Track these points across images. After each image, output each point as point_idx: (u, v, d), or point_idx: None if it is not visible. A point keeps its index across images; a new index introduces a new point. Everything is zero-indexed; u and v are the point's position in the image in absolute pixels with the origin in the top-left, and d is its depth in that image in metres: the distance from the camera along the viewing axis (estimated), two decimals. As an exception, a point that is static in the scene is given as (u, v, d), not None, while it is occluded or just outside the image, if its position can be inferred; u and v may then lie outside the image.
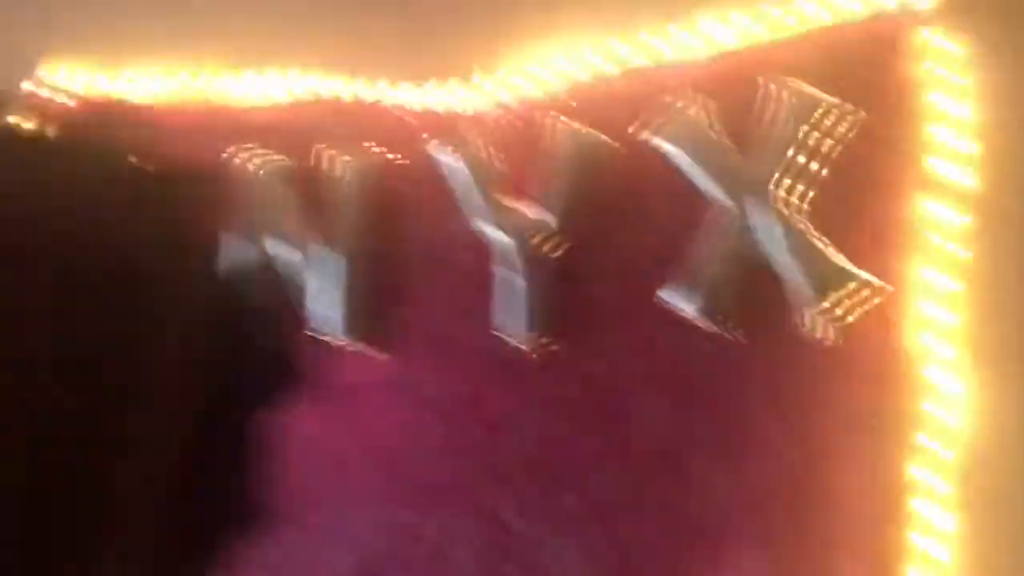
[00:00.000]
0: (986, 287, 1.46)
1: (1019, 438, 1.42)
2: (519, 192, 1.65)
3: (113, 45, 1.99)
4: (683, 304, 1.54)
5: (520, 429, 1.66)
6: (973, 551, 1.41)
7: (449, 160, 1.67)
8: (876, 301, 1.46)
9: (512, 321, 1.64)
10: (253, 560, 1.70)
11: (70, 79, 2.00)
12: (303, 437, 1.75)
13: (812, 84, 1.51)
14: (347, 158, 1.77)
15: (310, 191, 1.79)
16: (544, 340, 1.63)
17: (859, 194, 1.50)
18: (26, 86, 2.00)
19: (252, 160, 1.82)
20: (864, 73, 1.51)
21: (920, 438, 1.43)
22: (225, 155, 1.82)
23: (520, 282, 1.62)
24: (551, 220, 1.61)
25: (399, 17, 1.81)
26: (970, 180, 1.48)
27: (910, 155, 1.49)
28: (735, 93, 1.57)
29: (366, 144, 1.78)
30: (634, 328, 1.60)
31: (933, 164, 1.49)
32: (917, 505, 1.43)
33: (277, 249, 1.77)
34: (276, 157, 1.81)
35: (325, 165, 1.78)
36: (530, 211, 1.63)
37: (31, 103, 1.97)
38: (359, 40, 1.84)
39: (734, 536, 1.51)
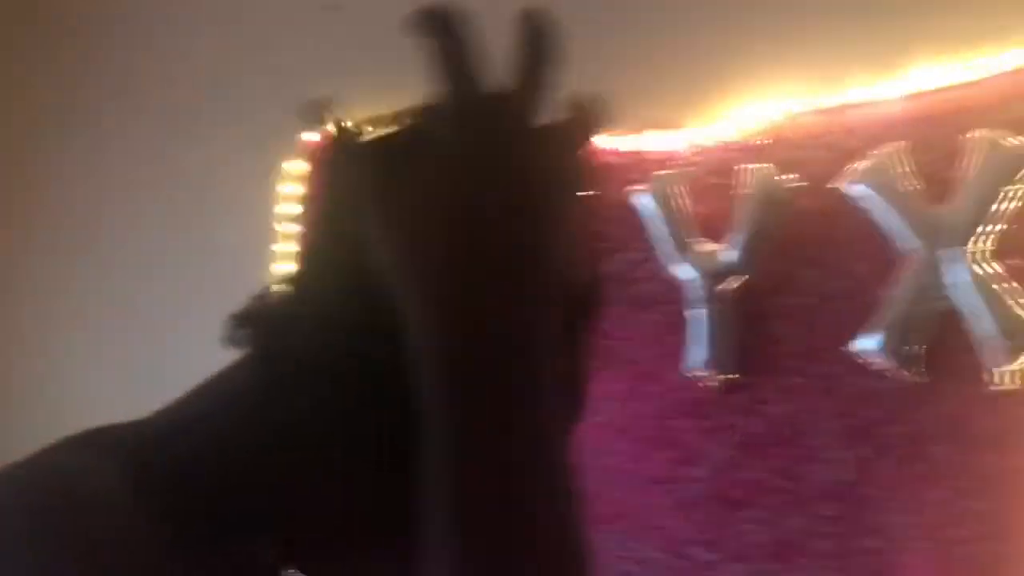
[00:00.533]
0: None
1: None
2: (710, 233, 1.72)
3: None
4: (870, 346, 1.55)
5: (702, 462, 1.72)
6: None
7: (643, 203, 1.76)
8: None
9: (698, 358, 1.70)
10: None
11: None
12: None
13: (1012, 129, 1.48)
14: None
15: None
16: (728, 376, 1.69)
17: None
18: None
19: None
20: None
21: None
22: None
23: (705, 318, 1.69)
24: (737, 258, 1.66)
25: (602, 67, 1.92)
26: None
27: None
28: (931, 135, 1.56)
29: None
30: (817, 368, 1.63)
31: None
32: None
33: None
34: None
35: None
36: (718, 250, 1.69)
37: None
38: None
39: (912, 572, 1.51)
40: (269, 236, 2.26)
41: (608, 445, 1.80)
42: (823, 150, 1.67)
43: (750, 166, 1.67)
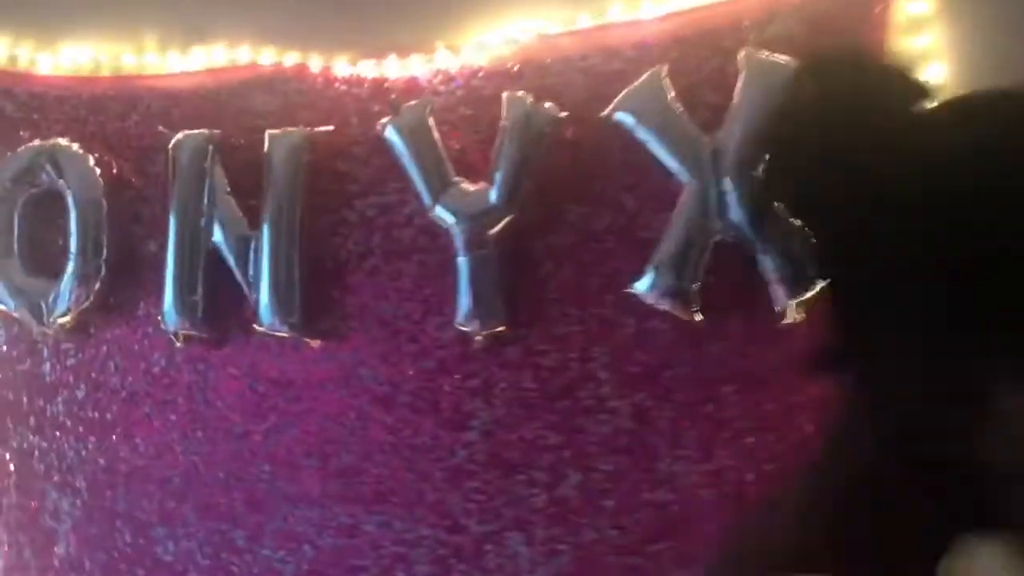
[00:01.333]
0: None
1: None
2: (467, 171, 1.53)
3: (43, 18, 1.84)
4: (647, 288, 1.44)
5: (472, 423, 1.56)
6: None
7: (397, 141, 1.54)
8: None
9: (464, 310, 1.53)
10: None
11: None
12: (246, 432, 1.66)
13: (780, 49, 1.39)
14: (278, 132, 1.64)
15: (240, 168, 1.67)
16: (493, 326, 1.53)
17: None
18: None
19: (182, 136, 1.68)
20: (831, 35, 1.40)
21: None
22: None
23: (467, 266, 1.51)
24: (498, 198, 1.49)
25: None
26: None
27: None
28: (694, 56, 1.46)
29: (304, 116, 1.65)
30: (591, 312, 1.50)
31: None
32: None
33: (216, 233, 1.66)
34: (204, 132, 1.68)
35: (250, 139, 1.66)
36: (478, 190, 1.51)
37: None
38: (304, 14, 1.70)
39: (703, 524, 1.43)
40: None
41: (365, 416, 1.60)
42: (581, 75, 1.52)
43: (506, 94, 1.50)
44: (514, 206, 1.49)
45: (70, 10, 1.86)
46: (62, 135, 1.80)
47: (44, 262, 1.81)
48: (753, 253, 1.39)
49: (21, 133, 1.85)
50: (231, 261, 1.66)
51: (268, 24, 1.73)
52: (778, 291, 1.39)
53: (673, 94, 1.44)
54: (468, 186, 1.52)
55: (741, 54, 1.41)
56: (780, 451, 1.39)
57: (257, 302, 1.63)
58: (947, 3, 1.39)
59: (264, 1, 1.74)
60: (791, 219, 0.72)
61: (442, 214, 1.52)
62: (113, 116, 1.79)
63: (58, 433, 1.81)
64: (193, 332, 1.69)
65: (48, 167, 1.77)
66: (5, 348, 1.86)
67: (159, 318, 1.70)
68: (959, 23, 1.39)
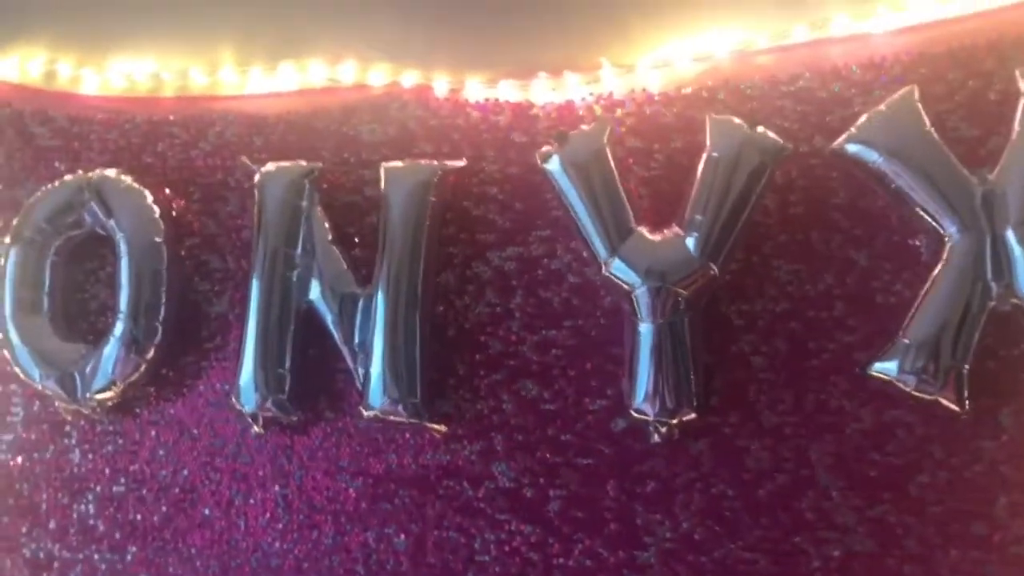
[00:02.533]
0: None
1: None
2: (658, 217, 1.21)
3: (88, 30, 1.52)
4: (895, 370, 1.11)
5: (648, 540, 1.21)
6: None
7: (563, 177, 1.21)
8: None
9: (640, 389, 1.19)
10: None
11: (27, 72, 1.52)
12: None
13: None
14: (397, 166, 1.31)
15: (342, 211, 1.34)
16: (681, 414, 1.19)
17: None
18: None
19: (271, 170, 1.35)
20: None
21: None
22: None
23: (651, 341, 1.17)
24: (699, 250, 1.17)
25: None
26: None
27: None
28: (944, 78, 1.16)
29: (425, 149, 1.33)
30: (811, 398, 1.18)
31: None
32: None
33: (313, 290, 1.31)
34: (301, 165, 1.35)
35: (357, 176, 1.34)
36: (668, 239, 1.19)
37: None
38: (428, 23, 1.39)
39: None
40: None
41: (500, 528, 1.24)
42: (792, 100, 1.22)
43: (712, 117, 1.18)
44: (719, 261, 1.16)
45: (123, 16, 1.54)
46: (109, 166, 1.46)
47: (80, 323, 1.45)
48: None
49: (57, 165, 1.51)
50: (331, 326, 1.31)
51: (380, 35, 1.41)
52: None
53: (929, 124, 1.13)
54: (652, 235, 1.20)
55: (1018, 73, 1.12)
56: None
57: (366, 377, 1.28)
58: None
59: (376, 6, 1.42)
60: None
61: (622, 270, 1.19)
62: (176, 145, 1.47)
63: (87, 541, 1.43)
64: (278, 414, 1.33)
65: (93, 204, 1.42)
66: (22, 431, 1.49)
67: (232, 397, 1.34)
68: None
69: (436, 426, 1.29)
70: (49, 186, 1.46)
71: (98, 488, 1.44)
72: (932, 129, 1.13)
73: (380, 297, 1.28)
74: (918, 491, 1.14)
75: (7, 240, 1.44)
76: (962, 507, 1.13)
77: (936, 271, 1.12)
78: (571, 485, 1.25)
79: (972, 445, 1.13)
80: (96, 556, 1.43)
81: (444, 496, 1.29)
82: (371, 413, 1.28)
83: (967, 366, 1.10)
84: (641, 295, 1.18)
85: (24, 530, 1.47)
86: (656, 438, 1.20)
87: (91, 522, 1.44)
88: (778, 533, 1.18)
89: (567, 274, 1.28)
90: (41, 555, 1.46)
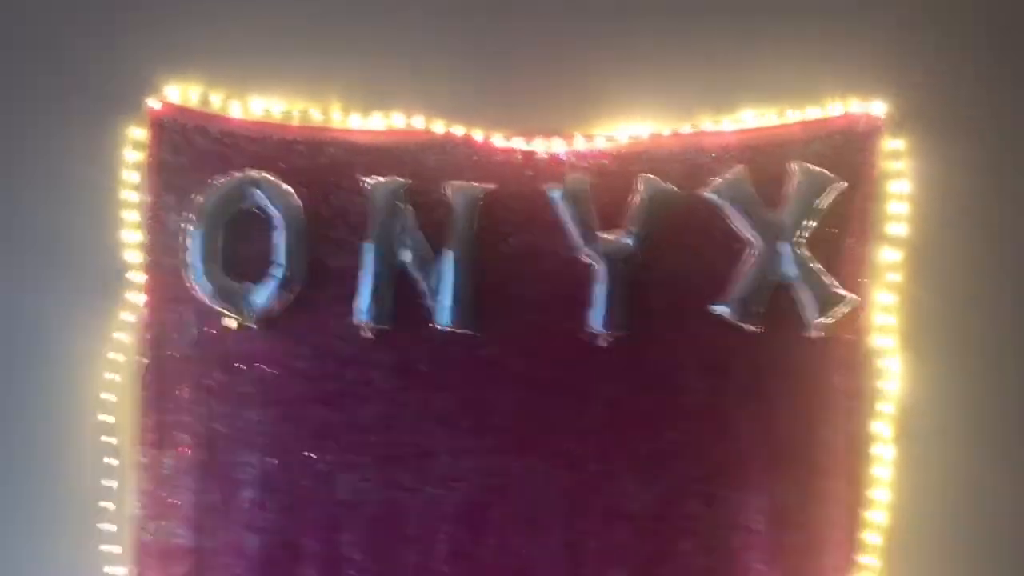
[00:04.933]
0: (911, 300, 2.27)
1: (935, 397, 2.25)
2: (610, 223, 2.25)
3: (234, 74, 2.34)
4: (725, 311, 2.22)
5: (595, 396, 2.28)
6: (907, 472, 2.23)
7: (560, 199, 2.23)
8: (849, 311, 2.23)
9: (595, 319, 2.24)
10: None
11: (188, 98, 2.32)
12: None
13: (816, 162, 2.22)
14: (460, 184, 2.27)
15: (421, 208, 2.27)
16: (616, 333, 2.25)
17: (844, 240, 2.25)
18: (150, 102, 2.31)
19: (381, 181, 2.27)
20: (848, 157, 2.25)
21: (878, 405, 2.23)
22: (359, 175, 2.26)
23: (604, 289, 2.22)
24: (631, 244, 2.22)
25: (503, 75, 2.32)
26: (904, 232, 2.27)
27: (874, 215, 2.26)
28: (758, 160, 2.26)
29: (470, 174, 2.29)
30: (684, 325, 2.26)
31: (884, 222, 2.26)
32: (875, 448, 2.23)
33: (405, 255, 2.25)
34: (398, 179, 2.27)
35: (440, 188, 2.28)
36: (616, 237, 2.23)
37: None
38: (466, 89, 2.33)
39: (757, 469, 2.23)
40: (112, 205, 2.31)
41: (505, 387, 2.27)
42: (680, 164, 2.28)
43: (643, 176, 2.23)
44: (643, 248, 2.22)
45: (259, 66, 2.37)
46: (253, 169, 2.31)
47: (238, 269, 2.31)
48: (795, 291, 2.22)
49: (212, 165, 2.32)
50: (418, 276, 2.26)
51: (439, 97, 2.34)
52: (810, 315, 2.22)
53: (750, 184, 2.23)
54: (607, 235, 2.24)
55: (793, 164, 2.23)
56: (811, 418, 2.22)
57: (439, 306, 2.25)
58: (915, 143, 2.27)
59: (437, 78, 2.34)
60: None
61: (593, 253, 2.22)
62: (301, 156, 2.33)
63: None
64: (383, 326, 2.27)
65: (256, 191, 2.28)
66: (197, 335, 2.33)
67: (351, 316, 2.26)
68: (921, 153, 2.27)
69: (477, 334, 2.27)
70: (220, 180, 2.29)
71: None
72: (751, 188, 2.22)
73: (449, 260, 2.24)
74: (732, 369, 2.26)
75: (192, 225, 2.27)
76: (750, 380, 2.25)
77: (748, 262, 2.23)
78: (554, 368, 2.29)
79: (761, 347, 2.25)
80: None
81: (481, 373, 2.29)
82: (443, 328, 2.26)
83: (761, 310, 2.22)
84: (600, 266, 2.22)
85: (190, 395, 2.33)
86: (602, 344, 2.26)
87: (241, 389, 2.32)
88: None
89: (555, 251, 2.28)
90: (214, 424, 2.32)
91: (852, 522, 2.24)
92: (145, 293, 2.31)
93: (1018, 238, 2.30)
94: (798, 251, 2.22)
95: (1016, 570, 2.29)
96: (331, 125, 2.35)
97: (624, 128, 2.30)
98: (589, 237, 2.24)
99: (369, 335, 2.29)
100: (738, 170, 2.24)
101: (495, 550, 2.27)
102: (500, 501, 2.28)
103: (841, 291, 2.22)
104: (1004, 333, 2.29)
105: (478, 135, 2.32)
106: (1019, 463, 2.29)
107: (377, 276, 2.26)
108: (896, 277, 2.27)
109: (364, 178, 2.29)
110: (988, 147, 2.29)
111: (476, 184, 2.28)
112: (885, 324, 2.26)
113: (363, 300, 2.26)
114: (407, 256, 2.27)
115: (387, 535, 2.28)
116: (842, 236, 2.25)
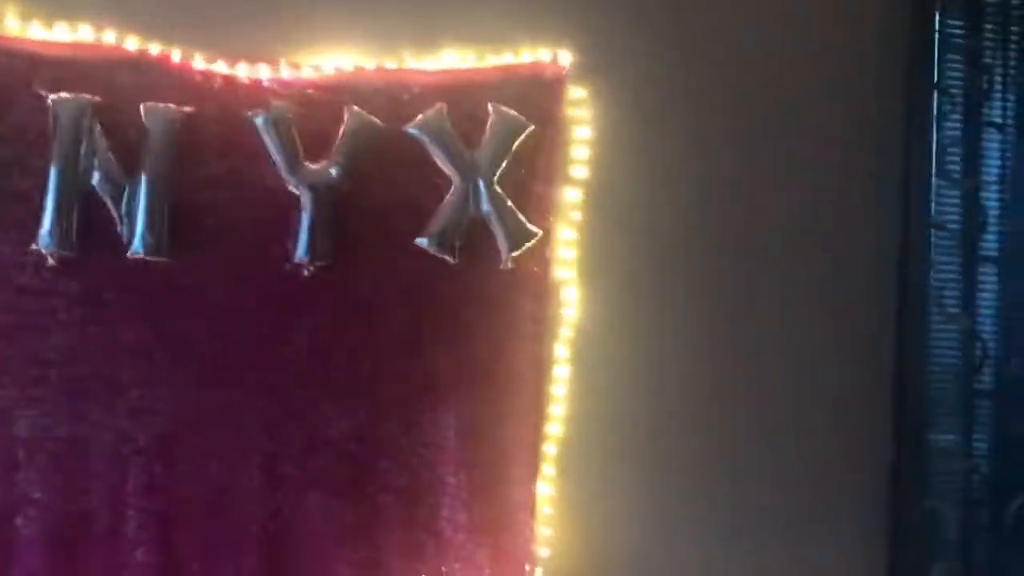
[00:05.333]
0: (590, 236, 2.50)
1: (607, 321, 2.50)
2: (314, 153, 2.26)
3: None
4: (426, 242, 2.33)
5: (297, 325, 2.30)
6: (577, 377, 2.47)
7: (263, 126, 2.21)
8: (535, 243, 2.41)
9: (299, 249, 2.26)
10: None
11: None
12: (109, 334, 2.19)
13: (510, 104, 2.37)
14: (154, 105, 2.18)
15: (112, 127, 2.16)
16: (320, 263, 2.28)
17: (532, 180, 2.42)
18: None
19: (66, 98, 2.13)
20: (537, 102, 2.42)
21: (560, 329, 2.46)
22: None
23: (308, 218, 2.25)
24: (336, 175, 2.26)
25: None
26: (585, 174, 2.49)
27: (559, 157, 2.45)
28: (460, 99, 2.37)
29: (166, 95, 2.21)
30: (386, 255, 2.34)
31: (569, 164, 2.47)
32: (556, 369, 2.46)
33: (94, 178, 2.14)
34: (85, 96, 2.14)
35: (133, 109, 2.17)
36: (321, 167, 2.26)
37: None
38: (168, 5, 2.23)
39: (450, 390, 2.38)
40: None
41: (200, 319, 2.26)
42: (384, 98, 2.34)
43: (350, 108, 2.26)
44: (346, 180, 2.27)
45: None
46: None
47: None
48: (489, 225, 2.36)
49: None
50: (109, 200, 2.16)
51: (140, 15, 2.22)
52: (503, 248, 2.38)
53: (448, 123, 2.33)
54: (312, 165, 2.25)
55: (489, 105, 2.36)
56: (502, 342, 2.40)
57: (132, 233, 2.16)
58: (596, 91, 2.48)
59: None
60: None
61: (297, 182, 2.23)
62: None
63: None
64: (64, 253, 2.14)
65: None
66: None
67: (33, 243, 2.12)
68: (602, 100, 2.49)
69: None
70: None
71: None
72: (451, 126, 2.33)
73: (143, 185, 2.16)
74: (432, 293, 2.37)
75: None
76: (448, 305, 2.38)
77: (446, 198, 2.34)
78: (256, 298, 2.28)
79: (457, 277, 2.38)
80: None
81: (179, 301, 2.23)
82: (135, 256, 2.17)
83: (458, 243, 2.34)
84: (305, 196, 2.24)
85: None
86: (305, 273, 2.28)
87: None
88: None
89: (263, 180, 2.26)
90: None
91: (536, 435, 2.45)
92: None
93: (684, 177, 2.58)
94: (493, 188, 2.36)
95: (670, 470, 2.61)
96: (5, 33, 2.15)
97: (329, 59, 2.31)
98: (294, 166, 2.24)
99: (52, 263, 2.15)
100: (439, 108, 2.33)
101: (191, 482, 2.24)
102: (196, 433, 2.25)
103: (530, 227, 2.39)
104: (668, 262, 2.58)
105: (176, 55, 2.23)
106: (675, 380, 2.60)
107: (61, 200, 2.12)
108: (577, 215, 2.48)
109: (46, 93, 2.13)
110: (657, 96, 2.55)
111: (173, 106, 2.19)
112: (567, 257, 2.47)
113: (46, 226, 2.12)
114: (96, 179, 2.15)
115: (71, 472, 2.18)
116: (530, 176, 2.42)
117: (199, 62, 2.24)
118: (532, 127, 2.39)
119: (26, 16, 2.17)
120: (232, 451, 2.27)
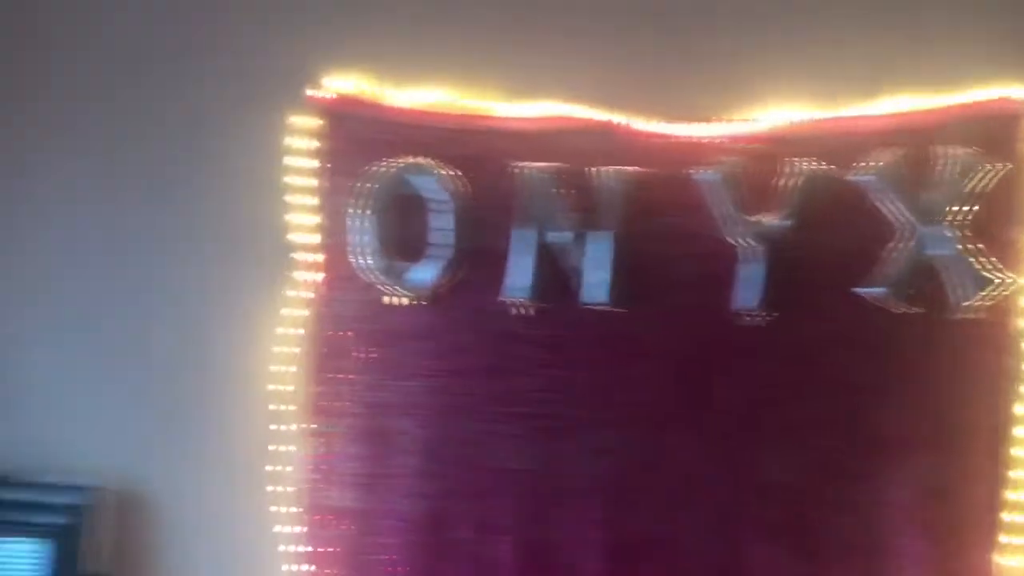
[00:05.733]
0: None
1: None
2: (755, 205, 2.31)
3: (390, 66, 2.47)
4: (874, 292, 2.27)
5: (742, 371, 2.34)
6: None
7: (709, 179, 2.30)
8: (1005, 293, 2.25)
9: (746, 299, 2.30)
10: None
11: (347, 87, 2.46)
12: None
13: (961, 143, 2.25)
14: (611, 168, 2.35)
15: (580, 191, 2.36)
16: (768, 312, 2.31)
17: (991, 223, 2.27)
18: (317, 92, 2.45)
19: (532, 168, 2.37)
20: (993, 140, 2.28)
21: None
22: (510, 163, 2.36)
23: (760, 270, 2.28)
24: (787, 226, 2.28)
25: (652, 62, 2.42)
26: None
27: (1020, 198, 2.29)
28: (907, 144, 2.30)
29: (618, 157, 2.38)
30: (831, 305, 2.31)
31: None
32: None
33: (556, 236, 2.35)
34: (551, 165, 2.37)
35: (594, 172, 2.36)
36: (772, 219, 2.29)
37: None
38: (613, 77, 2.43)
39: (904, 441, 2.27)
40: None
41: (650, 363, 2.35)
42: (821, 147, 2.33)
43: (792, 160, 2.29)
44: (796, 232, 2.28)
45: (414, 56, 2.48)
46: (414, 155, 2.42)
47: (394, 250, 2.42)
48: (942, 272, 2.25)
49: (378, 151, 2.42)
50: (563, 253, 2.35)
51: (586, 87, 2.43)
52: (959, 296, 2.25)
53: (904, 168, 2.27)
54: (762, 217, 2.29)
55: (943, 147, 2.26)
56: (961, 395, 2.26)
57: (589, 285, 2.34)
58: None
59: (577, 71, 2.44)
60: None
61: (744, 234, 2.29)
62: (457, 144, 2.42)
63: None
64: (532, 303, 2.37)
65: (421, 177, 2.38)
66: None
67: (500, 295, 2.36)
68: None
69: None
70: (385, 166, 2.40)
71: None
72: (906, 172, 2.26)
73: (598, 240, 2.33)
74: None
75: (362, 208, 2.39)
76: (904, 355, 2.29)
77: (896, 244, 2.27)
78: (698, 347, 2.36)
79: (909, 327, 2.29)
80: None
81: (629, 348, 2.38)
82: (593, 305, 2.34)
83: (913, 291, 2.26)
84: (751, 249, 2.29)
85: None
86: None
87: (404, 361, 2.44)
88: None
89: (700, 232, 2.35)
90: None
91: (995, 501, 2.26)
92: (321, 271, 2.44)
93: None
94: (951, 233, 2.25)
95: None
96: (486, 113, 2.45)
97: (764, 114, 2.37)
98: (742, 219, 2.30)
99: (521, 312, 2.38)
100: (893, 152, 2.28)
101: (644, 521, 2.33)
102: (647, 474, 2.35)
103: (990, 273, 2.25)
104: None
105: (623, 120, 2.40)
106: None
107: (531, 257, 2.35)
108: (1046, 259, 2.28)
109: (515, 163, 2.38)
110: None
111: (627, 167, 2.36)
112: (1031, 306, 2.28)
113: (519, 279, 2.36)
114: (558, 237, 2.36)
115: (536, 502, 2.37)
116: (989, 219, 2.27)
117: (643, 125, 2.40)
118: (989, 166, 2.25)
119: (501, 97, 2.45)
120: (680, 497, 2.33)
